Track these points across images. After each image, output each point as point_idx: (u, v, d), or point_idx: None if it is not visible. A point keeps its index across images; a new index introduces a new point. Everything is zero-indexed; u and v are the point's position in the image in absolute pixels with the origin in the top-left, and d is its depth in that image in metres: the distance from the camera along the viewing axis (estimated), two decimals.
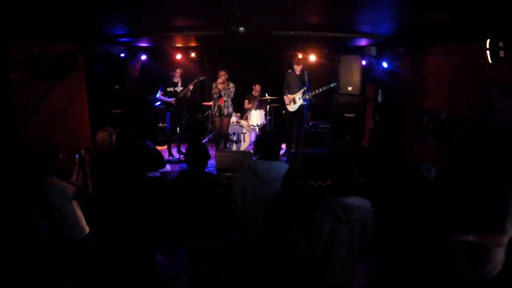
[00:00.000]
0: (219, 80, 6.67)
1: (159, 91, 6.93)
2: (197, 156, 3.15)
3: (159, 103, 7.43)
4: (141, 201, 3.45)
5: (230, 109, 7.01)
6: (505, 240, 2.57)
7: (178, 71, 7.00)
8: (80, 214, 3.35)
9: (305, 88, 6.97)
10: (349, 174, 2.57)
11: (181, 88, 6.94)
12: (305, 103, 7.08)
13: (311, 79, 7.12)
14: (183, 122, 7.23)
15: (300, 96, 7.00)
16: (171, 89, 6.92)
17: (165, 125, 7.35)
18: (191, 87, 6.87)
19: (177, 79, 7.00)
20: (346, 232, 2.55)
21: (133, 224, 3.62)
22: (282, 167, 3.07)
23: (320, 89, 6.98)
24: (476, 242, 2.53)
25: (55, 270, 3.50)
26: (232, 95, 6.89)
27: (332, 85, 6.92)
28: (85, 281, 3.47)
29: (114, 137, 3.86)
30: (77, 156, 3.31)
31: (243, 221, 3.14)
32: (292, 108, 7.12)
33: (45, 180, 3.15)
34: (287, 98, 7.14)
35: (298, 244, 2.73)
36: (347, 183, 2.55)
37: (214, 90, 6.83)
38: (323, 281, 2.63)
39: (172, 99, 6.86)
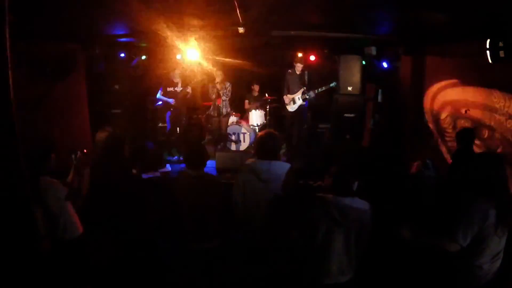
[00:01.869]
0: (217, 80, 6.68)
1: (160, 91, 6.94)
2: (195, 156, 3.14)
3: (160, 103, 7.44)
4: (134, 201, 3.44)
5: (228, 109, 7.05)
6: (454, 248, 2.35)
7: (178, 71, 7.00)
8: (73, 214, 3.35)
9: (305, 88, 6.97)
10: (346, 174, 2.56)
11: (181, 88, 6.94)
12: (305, 103, 7.08)
13: (311, 79, 7.12)
14: (183, 122, 7.23)
15: (299, 96, 7.00)
16: (171, 89, 6.93)
17: (165, 125, 7.35)
18: (190, 87, 6.88)
19: (177, 79, 7.00)
20: (342, 233, 2.53)
21: (131, 224, 3.62)
22: (282, 166, 3.06)
23: (320, 89, 6.97)
24: (426, 241, 2.48)
25: (55, 270, 3.50)
26: (229, 94, 6.92)
27: (332, 84, 6.92)
28: (83, 281, 3.47)
29: None
30: (73, 157, 3.31)
31: (243, 221, 3.14)
32: (291, 108, 7.12)
33: (39, 180, 3.15)
34: (286, 98, 7.14)
35: (296, 244, 2.72)
36: (344, 183, 2.54)
37: (212, 91, 6.84)
38: (320, 280, 2.62)
39: (172, 99, 6.86)
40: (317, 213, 2.54)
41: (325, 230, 2.53)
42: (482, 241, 2.33)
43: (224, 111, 6.92)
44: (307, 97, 6.99)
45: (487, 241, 2.33)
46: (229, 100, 7.03)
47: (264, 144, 3.11)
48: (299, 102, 7.03)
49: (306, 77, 7.02)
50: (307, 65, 7.57)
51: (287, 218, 3.04)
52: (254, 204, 3.05)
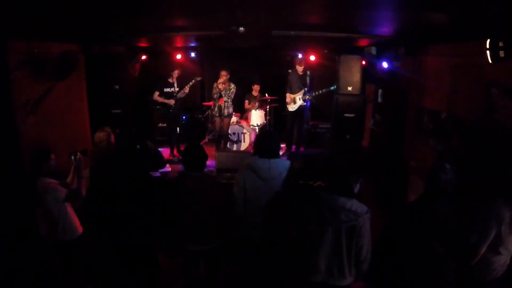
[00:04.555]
0: (220, 80, 6.65)
1: (155, 93, 6.89)
2: (194, 157, 3.13)
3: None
4: (144, 201, 3.45)
5: (231, 110, 7.00)
6: (480, 251, 2.50)
7: (176, 72, 6.98)
8: (72, 215, 3.35)
9: (306, 89, 6.97)
10: (344, 174, 2.54)
11: (177, 89, 6.93)
12: (305, 103, 7.08)
13: (312, 79, 7.12)
14: (182, 122, 7.23)
15: (300, 96, 7.01)
16: (168, 89, 6.90)
17: (165, 125, 7.35)
18: (188, 88, 6.86)
19: (174, 80, 6.99)
20: (331, 233, 2.52)
21: (136, 224, 3.61)
22: (282, 164, 3.07)
23: (319, 91, 6.97)
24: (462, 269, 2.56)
25: (55, 270, 3.50)
26: (232, 96, 6.88)
27: (332, 88, 6.91)
28: (84, 281, 3.47)
29: (112, 137, 3.85)
30: (73, 158, 3.31)
31: (244, 220, 3.13)
32: (292, 108, 7.13)
33: (38, 182, 3.15)
34: (288, 96, 7.16)
35: (295, 242, 2.72)
36: (341, 183, 2.53)
37: (215, 90, 6.81)
38: (308, 278, 2.61)
39: (170, 100, 6.85)
40: (309, 210, 2.55)
41: (315, 226, 2.53)
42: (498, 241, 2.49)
43: (226, 111, 6.88)
44: (308, 97, 6.99)
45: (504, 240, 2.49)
46: (231, 101, 6.99)
47: (262, 143, 3.11)
48: (300, 102, 7.04)
49: (307, 78, 7.02)
50: (308, 66, 7.58)
51: (286, 216, 3.04)
52: (254, 202, 3.05)
